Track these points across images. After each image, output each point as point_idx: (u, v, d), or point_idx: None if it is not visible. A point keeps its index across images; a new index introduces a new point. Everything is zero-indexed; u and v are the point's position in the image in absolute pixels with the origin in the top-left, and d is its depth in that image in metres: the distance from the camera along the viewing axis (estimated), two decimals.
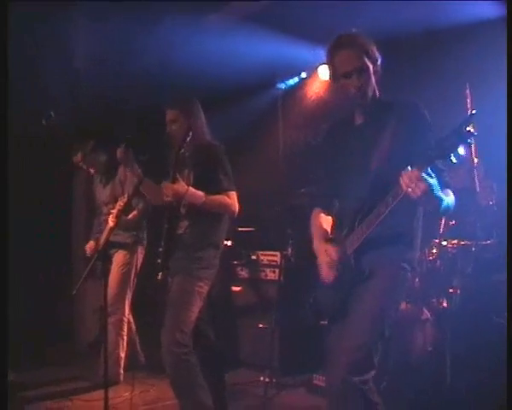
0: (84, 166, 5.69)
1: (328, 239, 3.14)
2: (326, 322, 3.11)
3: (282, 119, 7.98)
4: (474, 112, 2.45)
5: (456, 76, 5.26)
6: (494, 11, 5.18)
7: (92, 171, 5.71)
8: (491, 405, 4.16)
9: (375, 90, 3.00)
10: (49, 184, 6.88)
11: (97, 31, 6.62)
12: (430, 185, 2.56)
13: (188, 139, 3.91)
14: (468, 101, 4.59)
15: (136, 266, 5.57)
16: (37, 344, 6.18)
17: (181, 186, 3.88)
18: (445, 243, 4.87)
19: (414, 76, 5.97)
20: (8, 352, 3.34)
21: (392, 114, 2.93)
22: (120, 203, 4.84)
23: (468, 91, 4.61)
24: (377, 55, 2.99)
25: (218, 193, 3.99)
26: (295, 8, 6.10)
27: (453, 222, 4.97)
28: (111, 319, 5.23)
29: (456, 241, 4.88)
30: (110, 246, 5.30)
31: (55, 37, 6.48)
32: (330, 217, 3.28)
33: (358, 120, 3.07)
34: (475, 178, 4.51)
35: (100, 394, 4.06)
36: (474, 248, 4.71)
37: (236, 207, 4.06)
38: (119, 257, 5.48)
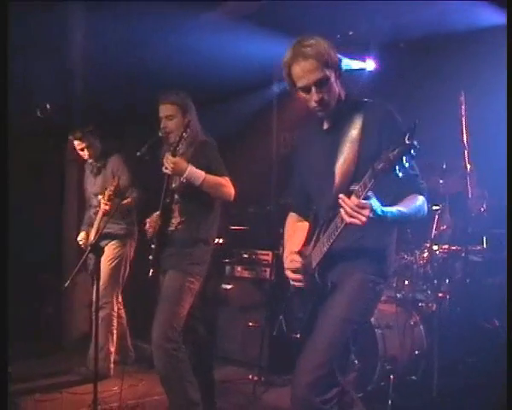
0: (79, 148, 5.57)
1: (295, 250, 3.00)
2: (298, 336, 2.99)
3: (277, 119, 8.01)
4: (416, 122, 2.29)
5: (453, 82, 5.29)
6: (494, 18, 5.22)
7: (86, 155, 5.60)
8: (479, 408, 4.21)
9: (339, 95, 2.86)
10: (41, 176, 6.87)
11: (93, 25, 6.63)
12: (372, 208, 2.45)
13: (185, 135, 3.92)
14: (463, 108, 4.62)
15: (127, 259, 5.56)
16: (26, 337, 6.16)
17: (182, 161, 3.89)
18: (435, 247, 4.92)
19: (411, 80, 6.01)
20: (7, 345, 3.33)
21: (358, 116, 2.81)
22: (111, 188, 4.84)
23: (462, 98, 4.64)
24: (337, 58, 2.79)
25: None
26: (292, 7, 6.12)
27: (444, 227, 5.02)
28: (101, 314, 5.22)
29: (446, 246, 4.93)
30: (101, 238, 5.29)
31: (52, 30, 6.47)
32: (306, 222, 3.15)
33: (326, 125, 2.96)
34: (468, 184, 4.54)
35: (89, 387, 4.06)
36: (464, 254, 4.75)
37: (233, 190, 4.05)
38: (109, 250, 5.46)
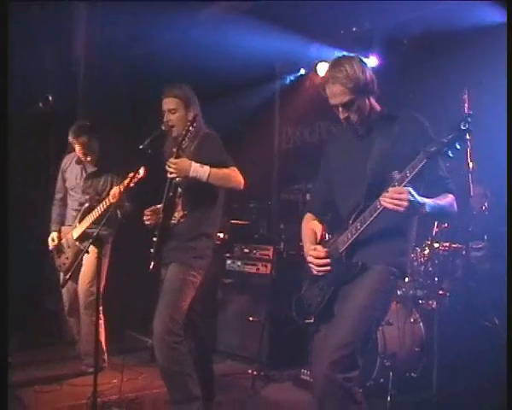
0: (74, 142, 5.41)
1: (318, 241, 3.21)
2: (312, 320, 3.12)
3: (279, 114, 8.01)
4: (470, 113, 2.54)
5: (456, 80, 5.29)
6: (496, 16, 5.22)
7: (81, 153, 5.44)
8: (478, 405, 4.22)
9: (372, 110, 3.08)
10: (43, 168, 6.86)
11: (96, 19, 6.63)
12: (410, 193, 2.68)
13: (192, 129, 3.91)
14: (466, 106, 4.61)
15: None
16: (26, 329, 6.17)
17: (185, 161, 3.87)
18: (437, 245, 4.92)
19: (414, 77, 6.01)
20: (7, 337, 3.34)
21: (391, 126, 3.01)
22: (121, 186, 4.80)
23: (465, 96, 4.64)
24: (368, 81, 3.00)
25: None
26: (296, 3, 6.11)
27: (446, 225, 5.02)
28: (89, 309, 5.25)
29: (447, 243, 4.93)
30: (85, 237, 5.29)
31: (55, 22, 6.47)
32: (321, 225, 3.35)
33: (360, 132, 3.13)
34: (470, 182, 4.54)
35: (88, 380, 4.07)
36: (464, 252, 4.76)
37: (241, 178, 4.03)
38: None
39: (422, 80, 5.89)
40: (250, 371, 5.28)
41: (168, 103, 4.10)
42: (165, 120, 4.08)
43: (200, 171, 3.87)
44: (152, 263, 4.09)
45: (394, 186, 2.74)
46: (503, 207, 3.49)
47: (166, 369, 3.92)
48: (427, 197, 2.83)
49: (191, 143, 4.02)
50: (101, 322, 5.31)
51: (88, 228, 5.21)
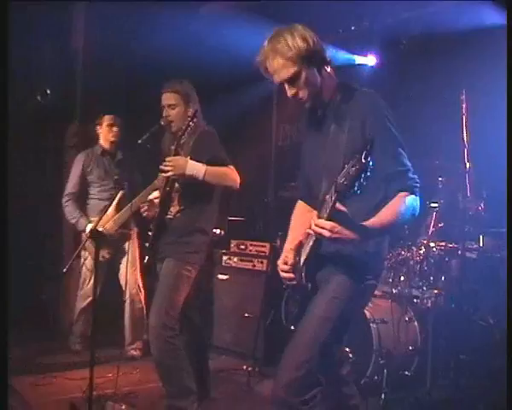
0: (108, 123, 5.71)
1: (292, 248, 2.93)
2: (293, 328, 2.92)
3: (276, 111, 8.02)
4: (373, 140, 2.30)
5: (454, 80, 5.30)
6: (496, 17, 5.23)
7: (113, 137, 5.71)
8: (472, 404, 4.24)
9: (324, 85, 2.79)
10: (41, 162, 6.86)
11: (96, 13, 6.62)
12: (334, 225, 2.46)
13: (192, 125, 3.92)
14: (464, 106, 4.64)
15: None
16: (22, 321, 6.17)
17: (181, 159, 3.90)
18: (432, 244, 4.93)
19: (412, 77, 6.03)
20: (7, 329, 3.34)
21: (347, 105, 2.76)
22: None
23: (463, 97, 4.66)
24: (313, 51, 2.71)
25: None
26: (294, 2, 6.12)
27: (441, 224, 5.04)
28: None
29: (443, 243, 4.94)
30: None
31: (54, 16, 6.46)
32: (315, 211, 3.03)
33: (319, 112, 2.90)
34: (467, 182, 4.55)
35: (84, 373, 4.07)
36: (460, 252, 4.78)
37: (237, 177, 4.06)
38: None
39: (421, 80, 5.91)
40: (245, 367, 5.29)
41: (168, 98, 4.11)
42: (164, 115, 4.09)
43: (196, 169, 3.89)
44: (146, 257, 4.14)
45: (320, 212, 2.55)
46: (500, 208, 3.50)
47: (162, 363, 3.94)
48: (386, 195, 2.66)
49: (189, 138, 4.03)
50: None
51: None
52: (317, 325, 2.72)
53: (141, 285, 5.75)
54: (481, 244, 4.86)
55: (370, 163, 2.28)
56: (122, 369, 4.71)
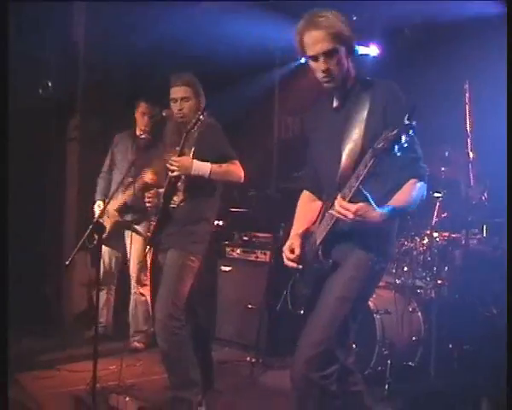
0: (142, 111, 5.70)
1: (299, 232, 3.03)
2: (302, 312, 3.01)
3: (278, 103, 8.00)
4: (415, 105, 2.41)
5: (455, 71, 5.28)
6: (494, 8, 5.21)
7: (144, 123, 5.66)
8: (475, 395, 4.23)
9: (349, 72, 2.89)
10: (42, 154, 6.86)
11: (97, 6, 6.61)
12: (360, 206, 2.56)
13: (202, 118, 3.91)
14: (467, 95, 4.62)
15: None
16: (25, 314, 6.17)
17: (187, 159, 3.91)
18: (436, 234, 4.92)
19: (415, 67, 6.00)
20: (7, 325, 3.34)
21: (365, 95, 2.84)
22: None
23: (466, 87, 4.64)
24: (350, 34, 2.84)
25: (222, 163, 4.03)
26: None
27: (445, 214, 5.02)
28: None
29: (447, 233, 4.94)
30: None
31: (56, 9, 6.45)
32: (319, 201, 3.14)
33: (335, 103, 2.98)
34: (470, 172, 4.54)
35: (87, 365, 4.08)
36: (463, 242, 4.77)
37: (242, 172, 4.09)
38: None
39: (423, 70, 5.88)
40: (248, 358, 5.31)
41: (180, 92, 4.09)
42: (178, 108, 4.08)
43: (201, 169, 3.92)
44: (148, 247, 4.15)
45: (344, 194, 2.62)
46: (503, 197, 3.49)
47: (168, 354, 3.95)
48: (397, 181, 2.74)
49: (194, 133, 4.02)
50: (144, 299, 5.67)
51: (130, 201, 5.40)
52: (336, 305, 2.79)
53: (146, 277, 5.74)
54: (485, 234, 4.86)
55: (414, 123, 2.38)
56: (126, 361, 4.71)
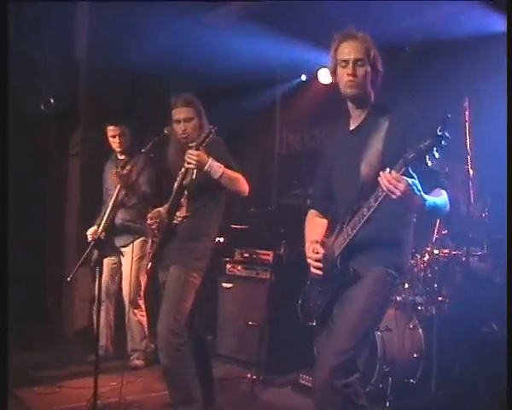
0: (111, 134, 5.67)
1: (317, 240, 3.17)
2: (314, 323, 3.13)
3: (280, 120, 8.04)
4: (448, 116, 2.49)
5: (455, 89, 5.30)
6: (498, 24, 5.24)
7: (116, 144, 5.69)
8: None
9: (369, 92, 3.08)
10: (44, 170, 6.88)
11: (99, 19, 6.65)
12: (409, 185, 2.60)
13: (214, 131, 3.92)
14: (467, 113, 4.64)
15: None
16: (27, 329, 6.18)
17: (204, 154, 3.89)
18: (436, 251, 4.93)
19: (415, 84, 6.02)
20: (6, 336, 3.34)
21: (383, 119, 3.00)
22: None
23: (466, 104, 4.66)
24: (378, 58, 3.08)
25: None
26: (297, 8, 6.13)
27: (445, 231, 5.03)
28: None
29: (447, 250, 4.94)
30: (124, 233, 5.51)
31: (57, 24, 6.49)
32: (325, 219, 3.36)
33: (352, 126, 3.15)
34: (470, 189, 4.55)
35: (88, 382, 4.07)
36: (464, 259, 4.77)
37: (247, 186, 4.10)
38: (137, 247, 5.66)
39: (423, 87, 5.91)
40: (249, 375, 5.29)
41: (182, 113, 4.13)
42: (182, 129, 4.11)
43: (215, 166, 3.91)
44: (150, 264, 4.16)
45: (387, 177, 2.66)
46: (503, 214, 3.50)
47: (170, 370, 3.97)
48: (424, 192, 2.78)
49: (198, 148, 4.04)
50: (144, 319, 5.70)
51: (108, 221, 5.32)
52: (359, 316, 2.92)
53: (142, 293, 5.75)
54: (485, 251, 4.85)
55: (446, 134, 2.46)
56: (126, 378, 4.71)
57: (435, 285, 4.90)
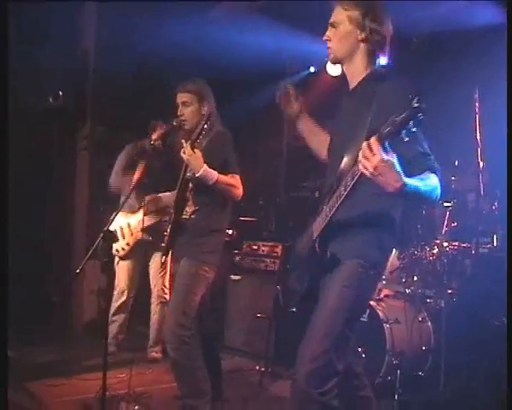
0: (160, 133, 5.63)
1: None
2: (294, 310, 2.96)
3: None
4: (421, 90, 2.27)
5: (465, 80, 5.28)
6: (502, 17, 5.20)
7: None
8: (485, 405, 4.21)
9: (352, 57, 2.95)
10: (53, 164, 6.90)
11: (105, 14, 6.66)
12: (384, 160, 2.33)
13: (206, 127, 3.92)
14: (477, 105, 4.62)
15: None
16: (37, 322, 6.20)
17: (199, 159, 3.88)
18: (446, 244, 4.91)
19: (424, 76, 5.99)
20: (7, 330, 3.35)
21: (375, 86, 2.79)
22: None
23: (476, 96, 4.64)
24: (373, 26, 2.97)
25: (224, 175, 4.03)
26: (304, 2, 6.11)
27: (455, 224, 5.01)
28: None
29: (456, 243, 4.92)
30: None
31: (65, 19, 6.50)
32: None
33: (351, 85, 3.01)
34: (480, 182, 4.53)
35: (97, 374, 4.07)
36: (473, 251, 4.75)
37: (241, 190, 4.11)
38: None
39: (432, 79, 5.87)
40: (257, 367, 5.30)
41: (181, 97, 4.17)
42: (178, 113, 4.14)
43: (209, 174, 3.90)
44: (163, 257, 4.17)
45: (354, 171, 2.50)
46: None
47: (178, 363, 3.96)
48: (409, 175, 2.49)
49: (203, 138, 4.03)
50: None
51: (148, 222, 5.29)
52: (330, 317, 2.72)
53: (167, 288, 5.73)
54: (495, 243, 4.83)
55: (423, 106, 2.24)
56: (136, 369, 4.73)
57: (444, 278, 4.88)
